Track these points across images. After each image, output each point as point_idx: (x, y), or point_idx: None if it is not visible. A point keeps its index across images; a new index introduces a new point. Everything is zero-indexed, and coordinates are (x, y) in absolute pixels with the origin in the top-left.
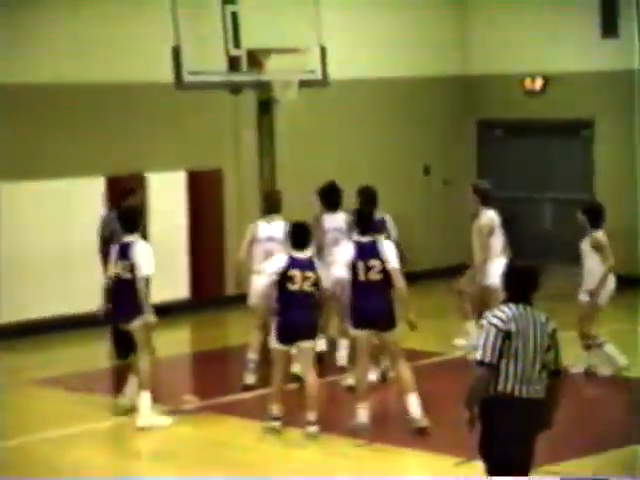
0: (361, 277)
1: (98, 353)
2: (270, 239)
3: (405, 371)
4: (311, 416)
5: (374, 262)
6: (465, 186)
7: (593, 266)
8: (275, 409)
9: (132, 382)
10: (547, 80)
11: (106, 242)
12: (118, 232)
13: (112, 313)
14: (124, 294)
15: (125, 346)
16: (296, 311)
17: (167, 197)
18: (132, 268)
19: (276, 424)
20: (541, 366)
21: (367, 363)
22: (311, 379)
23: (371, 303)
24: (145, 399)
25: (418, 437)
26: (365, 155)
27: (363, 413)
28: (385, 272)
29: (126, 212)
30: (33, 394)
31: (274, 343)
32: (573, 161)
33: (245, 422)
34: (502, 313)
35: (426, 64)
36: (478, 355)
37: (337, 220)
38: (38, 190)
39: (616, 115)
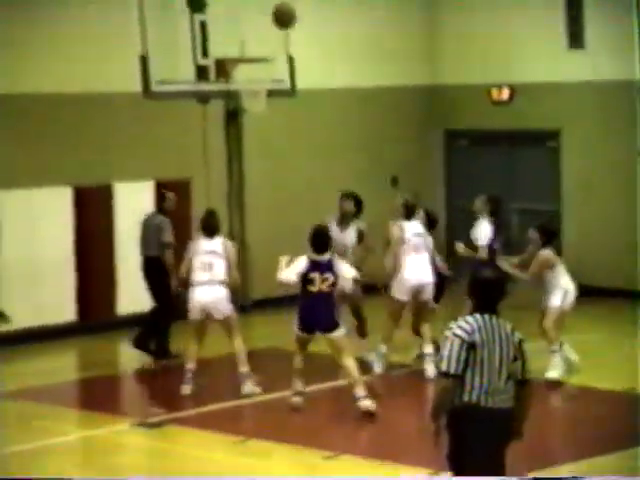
0: None
1: (66, 365)
2: (211, 252)
3: None
4: (360, 391)
5: None
6: (432, 197)
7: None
8: (298, 385)
9: None
10: (514, 90)
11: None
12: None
13: None
14: None
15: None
16: (315, 309)
17: (135, 207)
18: None
19: (298, 399)
20: (507, 376)
21: None
22: (345, 361)
23: None
24: None
25: (388, 449)
26: (333, 165)
27: None
28: None
29: None
30: (0, 407)
31: (296, 330)
32: (539, 171)
33: (211, 435)
34: (466, 324)
35: (393, 74)
36: (443, 366)
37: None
38: (3, 200)
39: (582, 126)
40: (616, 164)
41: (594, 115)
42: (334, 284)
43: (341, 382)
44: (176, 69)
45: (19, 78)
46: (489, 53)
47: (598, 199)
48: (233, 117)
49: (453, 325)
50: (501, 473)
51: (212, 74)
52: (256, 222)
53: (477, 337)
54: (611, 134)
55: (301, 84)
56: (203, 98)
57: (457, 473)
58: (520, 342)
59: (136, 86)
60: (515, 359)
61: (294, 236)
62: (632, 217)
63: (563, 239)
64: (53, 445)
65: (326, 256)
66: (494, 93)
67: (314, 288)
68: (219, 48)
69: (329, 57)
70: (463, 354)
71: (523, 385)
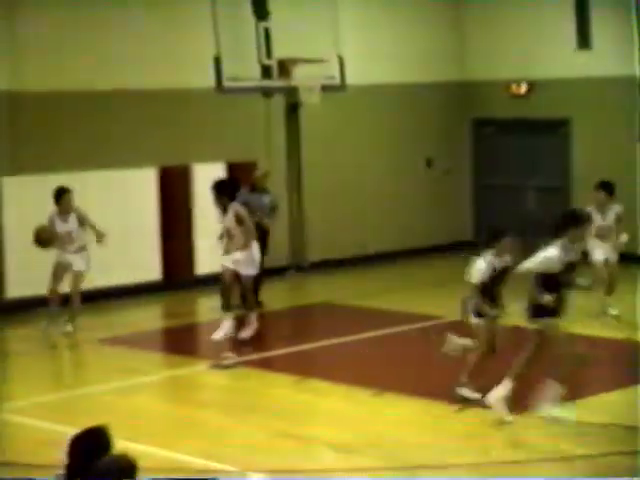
0: None
1: (154, 316)
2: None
3: None
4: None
5: None
6: (461, 176)
7: None
8: None
9: None
10: (531, 85)
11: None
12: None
13: None
14: None
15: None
16: None
17: (210, 183)
18: None
19: None
20: None
21: None
22: None
23: None
24: None
25: (428, 387)
26: (376, 151)
27: None
28: None
29: None
30: (98, 351)
31: None
32: (553, 154)
33: (274, 375)
34: None
35: (429, 72)
36: None
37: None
38: (103, 179)
39: (589, 116)
40: (617, 148)
41: (599, 106)
42: None
43: (386, 331)
44: (244, 68)
45: (119, 79)
46: (509, 54)
47: (603, 177)
48: (293, 110)
49: None
50: None
51: (275, 72)
52: (312, 200)
53: None
54: (613, 123)
55: (350, 80)
56: (267, 93)
57: None
58: None
59: (210, 83)
60: None
61: (345, 211)
62: (630, 190)
63: None
64: (143, 383)
65: None
66: (513, 88)
67: None
68: (281, 50)
69: (375, 58)
70: None
71: None
